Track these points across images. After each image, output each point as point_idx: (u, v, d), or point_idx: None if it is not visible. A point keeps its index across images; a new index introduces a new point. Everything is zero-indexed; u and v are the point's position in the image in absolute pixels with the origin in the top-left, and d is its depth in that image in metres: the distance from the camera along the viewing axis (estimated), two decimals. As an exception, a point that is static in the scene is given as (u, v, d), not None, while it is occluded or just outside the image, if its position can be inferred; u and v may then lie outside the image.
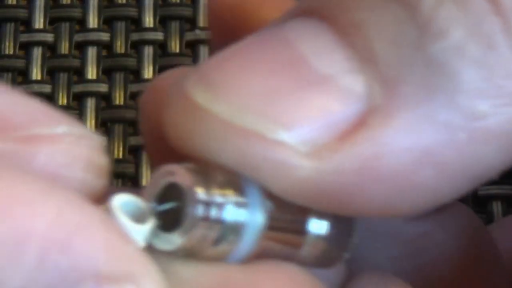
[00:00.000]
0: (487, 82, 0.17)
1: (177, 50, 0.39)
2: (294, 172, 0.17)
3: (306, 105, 0.17)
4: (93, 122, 0.38)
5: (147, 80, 0.38)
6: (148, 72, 0.38)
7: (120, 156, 0.37)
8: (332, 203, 0.17)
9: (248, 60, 0.17)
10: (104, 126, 0.38)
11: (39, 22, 0.39)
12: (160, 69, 0.38)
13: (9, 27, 0.39)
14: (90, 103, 0.38)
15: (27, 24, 0.39)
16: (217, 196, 0.16)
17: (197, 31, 0.39)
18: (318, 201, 0.17)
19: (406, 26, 0.17)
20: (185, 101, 0.17)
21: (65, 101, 0.38)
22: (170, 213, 0.16)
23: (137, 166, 0.37)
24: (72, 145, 0.17)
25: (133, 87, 0.38)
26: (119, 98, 0.38)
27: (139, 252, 0.16)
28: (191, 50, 0.39)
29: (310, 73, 0.17)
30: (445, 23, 0.17)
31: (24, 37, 0.39)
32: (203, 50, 0.39)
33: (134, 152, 0.37)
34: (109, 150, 0.37)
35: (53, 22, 0.39)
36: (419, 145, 0.17)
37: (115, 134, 0.37)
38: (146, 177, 0.37)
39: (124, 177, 0.37)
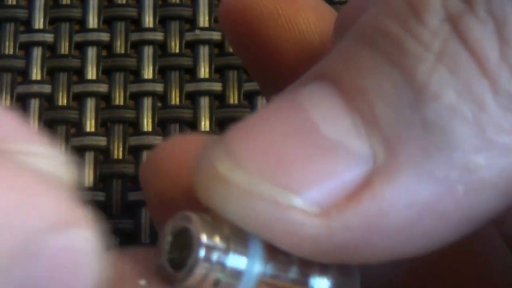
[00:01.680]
0: (479, 138, 0.18)
1: (177, 50, 0.39)
2: (305, 231, 0.18)
3: (315, 170, 0.18)
4: (93, 122, 0.38)
5: (147, 80, 0.38)
6: (148, 72, 0.38)
7: (120, 156, 0.37)
8: (340, 256, 0.19)
9: (264, 131, 0.19)
10: (104, 126, 0.38)
11: (39, 22, 0.39)
12: (160, 69, 0.38)
13: (9, 27, 0.39)
14: (90, 103, 0.38)
15: (27, 24, 0.39)
16: (221, 243, 0.18)
17: (197, 31, 0.39)
18: (327, 255, 0.19)
19: (404, 90, 0.18)
20: (210, 169, 0.19)
21: (65, 101, 0.38)
22: (181, 255, 0.19)
23: (137, 166, 0.37)
24: (42, 166, 0.18)
25: (133, 87, 0.38)
26: (119, 98, 0.38)
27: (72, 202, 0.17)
28: (191, 50, 0.39)
29: (319, 139, 0.19)
30: (438, 87, 0.18)
31: (24, 37, 0.39)
32: (203, 50, 0.39)
33: (134, 152, 0.37)
34: (109, 150, 0.37)
35: (53, 22, 0.39)
36: (420, 200, 0.18)
37: (115, 134, 0.37)
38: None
39: (124, 177, 0.37)
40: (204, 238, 0.18)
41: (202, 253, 0.18)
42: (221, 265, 0.18)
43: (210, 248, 0.18)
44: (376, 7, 0.19)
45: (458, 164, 0.18)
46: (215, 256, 0.18)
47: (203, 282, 0.18)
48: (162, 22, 0.39)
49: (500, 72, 0.18)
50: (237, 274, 0.18)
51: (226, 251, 0.18)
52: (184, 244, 0.19)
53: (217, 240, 0.18)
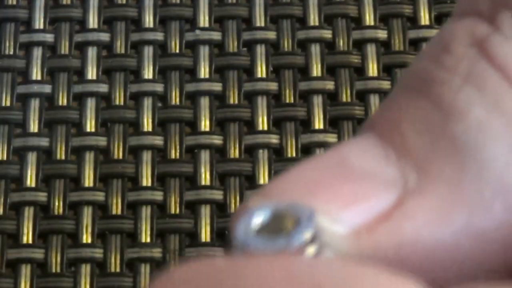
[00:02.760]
0: None
1: (177, 50, 0.39)
2: (335, 252, 0.18)
3: (343, 194, 0.18)
4: (93, 122, 0.38)
5: (147, 80, 0.38)
6: (148, 72, 0.38)
7: (120, 156, 0.37)
8: None
9: (299, 168, 0.19)
10: (104, 126, 0.38)
11: (39, 22, 0.39)
12: (160, 69, 0.38)
13: (9, 27, 0.39)
14: (90, 103, 0.38)
15: (27, 24, 0.39)
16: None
17: (197, 31, 0.39)
18: None
19: (432, 115, 0.18)
20: (241, 206, 0.19)
21: (65, 101, 0.38)
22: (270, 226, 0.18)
23: (137, 166, 0.37)
24: None
25: (133, 87, 0.38)
26: (119, 98, 0.38)
27: None
28: (191, 50, 0.39)
29: (347, 169, 0.19)
30: (466, 104, 0.18)
31: (24, 37, 0.39)
32: (203, 50, 0.39)
33: (134, 152, 0.37)
34: (109, 150, 0.37)
35: (53, 22, 0.39)
36: (454, 219, 0.18)
37: (115, 134, 0.37)
38: (146, 177, 0.37)
39: (124, 177, 0.37)
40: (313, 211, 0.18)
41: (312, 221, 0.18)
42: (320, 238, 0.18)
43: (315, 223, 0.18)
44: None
45: (491, 181, 0.18)
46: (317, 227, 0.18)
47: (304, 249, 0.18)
48: (162, 22, 0.39)
49: None
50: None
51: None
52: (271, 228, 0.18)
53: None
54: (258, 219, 0.18)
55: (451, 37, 0.19)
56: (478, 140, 0.18)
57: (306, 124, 0.37)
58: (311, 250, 0.18)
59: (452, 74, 0.18)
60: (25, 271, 0.35)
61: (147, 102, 0.38)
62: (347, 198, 0.18)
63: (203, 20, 0.39)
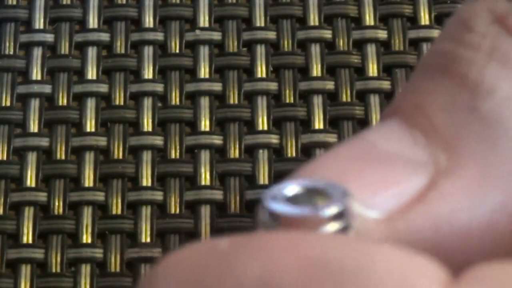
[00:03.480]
0: None
1: (177, 50, 0.39)
2: (372, 237, 0.18)
3: (375, 179, 0.18)
4: (93, 122, 0.38)
5: (147, 80, 0.38)
6: (148, 72, 0.38)
7: (120, 156, 0.37)
8: None
9: (329, 155, 0.19)
10: (104, 126, 0.38)
11: (39, 22, 0.39)
12: (160, 69, 0.38)
13: (9, 27, 0.39)
14: (90, 103, 0.38)
15: (27, 24, 0.39)
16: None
17: (197, 31, 0.39)
18: None
19: (458, 94, 0.18)
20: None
21: (65, 101, 0.38)
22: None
23: (137, 166, 0.37)
24: None
25: (133, 87, 0.38)
26: (119, 98, 0.38)
27: None
28: (191, 50, 0.39)
29: (377, 154, 0.18)
30: (492, 81, 0.18)
31: (24, 37, 0.39)
32: (203, 50, 0.39)
33: (134, 152, 0.37)
34: (109, 150, 0.37)
35: (53, 22, 0.39)
36: (489, 198, 0.17)
37: (115, 134, 0.37)
38: (146, 177, 0.37)
39: (124, 177, 0.37)
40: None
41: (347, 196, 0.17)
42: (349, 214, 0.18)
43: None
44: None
45: None
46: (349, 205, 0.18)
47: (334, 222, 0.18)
48: (162, 22, 0.39)
49: None
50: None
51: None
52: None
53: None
54: (290, 190, 0.18)
55: (471, 15, 0.18)
56: (507, 115, 0.18)
57: (306, 124, 0.37)
58: (334, 226, 0.17)
59: (476, 52, 0.18)
60: (25, 271, 0.35)
61: (147, 102, 0.38)
62: (378, 183, 0.18)
63: (203, 20, 0.39)
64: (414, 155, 0.18)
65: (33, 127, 0.37)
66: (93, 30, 0.39)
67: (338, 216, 0.17)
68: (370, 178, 0.18)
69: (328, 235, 0.17)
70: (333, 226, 0.17)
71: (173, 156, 0.37)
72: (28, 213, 0.36)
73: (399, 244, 0.17)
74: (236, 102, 0.38)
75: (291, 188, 0.18)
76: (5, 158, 0.37)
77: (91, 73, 0.38)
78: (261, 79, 0.38)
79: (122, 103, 0.38)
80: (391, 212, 0.18)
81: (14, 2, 0.39)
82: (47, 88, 0.38)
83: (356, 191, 0.18)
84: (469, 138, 0.18)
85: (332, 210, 0.17)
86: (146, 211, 0.36)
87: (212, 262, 0.16)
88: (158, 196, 0.36)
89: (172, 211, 0.36)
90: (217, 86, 0.38)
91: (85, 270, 0.35)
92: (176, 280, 0.16)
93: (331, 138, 0.37)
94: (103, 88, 0.38)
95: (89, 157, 0.37)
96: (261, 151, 0.37)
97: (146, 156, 0.37)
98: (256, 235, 0.16)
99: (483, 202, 0.17)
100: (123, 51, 0.39)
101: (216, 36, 0.39)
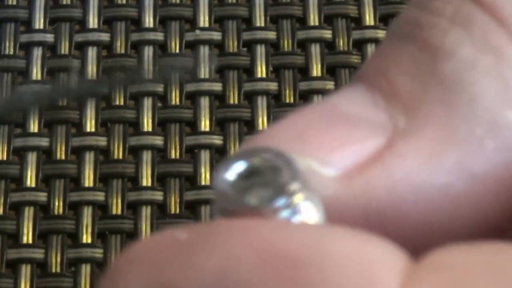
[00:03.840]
0: (505, 90, 0.17)
1: (177, 50, 0.39)
2: (325, 193, 0.18)
3: (333, 138, 0.18)
4: (93, 122, 0.38)
5: (147, 81, 0.38)
6: (148, 72, 0.38)
7: (120, 156, 0.37)
8: (368, 221, 0.18)
9: (291, 119, 0.19)
10: (104, 126, 0.38)
11: (39, 22, 0.39)
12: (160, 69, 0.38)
13: (9, 27, 0.39)
14: (90, 103, 0.38)
15: (27, 24, 0.39)
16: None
17: (197, 31, 0.39)
18: (352, 219, 0.18)
19: (420, 58, 0.18)
20: None
21: (65, 101, 0.38)
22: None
23: (137, 166, 0.37)
24: None
25: (133, 87, 0.38)
26: (119, 98, 0.38)
27: None
28: (191, 50, 0.39)
29: (338, 114, 0.19)
30: (453, 45, 0.18)
31: (24, 37, 0.39)
32: (203, 50, 0.39)
33: (134, 152, 0.37)
34: (109, 150, 0.37)
35: (53, 22, 0.39)
36: (447, 159, 0.18)
37: (115, 134, 0.37)
38: (146, 177, 0.37)
39: (124, 177, 0.37)
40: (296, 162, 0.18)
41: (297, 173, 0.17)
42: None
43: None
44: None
45: (482, 117, 0.18)
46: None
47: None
48: (162, 22, 0.39)
49: None
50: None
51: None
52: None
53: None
54: (238, 168, 0.18)
55: None
56: (468, 77, 0.18)
57: (306, 124, 0.37)
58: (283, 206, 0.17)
59: (439, 17, 0.18)
60: (25, 271, 0.35)
61: (147, 102, 0.38)
62: (336, 142, 0.18)
63: (203, 20, 0.39)
64: (373, 116, 0.18)
65: (33, 127, 0.38)
66: (93, 30, 0.39)
67: (290, 185, 0.18)
68: (328, 137, 0.18)
69: (283, 222, 0.17)
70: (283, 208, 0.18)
71: (173, 156, 0.37)
72: (28, 213, 0.36)
73: (354, 204, 0.18)
74: (236, 102, 0.38)
75: (239, 165, 0.18)
76: (5, 158, 0.37)
77: (91, 73, 0.38)
78: (261, 79, 0.38)
79: (122, 103, 0.38)
80: (347, 170, 0.18)
81: (14, 2, 0.39)
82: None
83: (313, 150, 0.18)
84: (428, 100, 0.18)
85: (281, 201, 0.17)
86: (146, 211, 0.36)
87: (172, 254, 0.16)
88: (158, 196, 0.36)
89: (172, 211, 0.36)
90: (217, 86, 0.38)
91: (85, 270, 0.35)
92: (136, 274, 0.16)
93: (331, 138, 0.37)
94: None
95: (89, 157, 0.37)
96: (261, 151, 0.37)
97: (146, 156, 0.37)
98: (213, 225, 0.16)
99: (439, 162, 0.18)
100: (123, 51, 0.39)
101: (216, 36, 0.39)
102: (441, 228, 0.18)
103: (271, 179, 0.18)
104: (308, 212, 0.18)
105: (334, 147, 0.18)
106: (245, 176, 0.18)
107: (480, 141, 0.17)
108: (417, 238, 0.18)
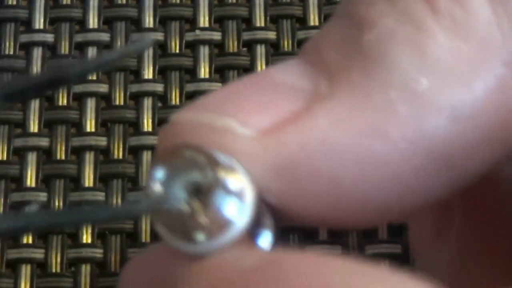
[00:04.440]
0: (420, 57, 0.18)
1: (177, 50, 0.39)
2: (241, 151, 0.19)
3: (254, 101, 0.19)
4: (93, 122, 0.38)
5: (147, 80, 0.38)
6: (148, 72, 0.38)
7: (120, 156, 0.37)
8: (282, 182, 0.19)
9: (228, 86, 0.20)
10: (104, 126, 0.38)
11: (39, 22, 0.39)
12: (160, 69, 0.38)
13: (9, 27, 0.39)
14: (90, 103, 0.38)
15: (27, 24, 0.39)
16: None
17: (197, 31, 0.39)
18: (267, 178, 0.19)
19: (347, 30, 0.19)
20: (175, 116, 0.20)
21: (65, 101, 0.38)
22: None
23: (137, 166, 0.37)
24: None
25: (133, 87, 0.38)
26: (119, 98, 0.38)
27: None
28: (191, 50, 0.39)
29: (267, 81, 0.19)
30: (376, 15, 0.19)
31: (24, 37, 0.39)
32: (203, 50, 0.39)
33: (134, 152, 0.37)
34: (109, 150, 0.37)
35: (53, 22, 0.39)
36: (361, 123, 0.18)
37: (115, 134, 0.37)
38: (146, 177, 0.37)
39: (124, 177, 0.37)
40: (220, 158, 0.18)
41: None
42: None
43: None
44: None
45: (397, 83, 0.18)
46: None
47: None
48: (162, 22, 0.39)
49: None
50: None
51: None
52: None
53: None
54: (159, 174, 0.18)
55: None
56: (386, 46, 0.18)
57: (306, 124, 0.37)
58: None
59: None
60: (25, 271, 0.35)
61: (147, 102, 0.38)
62: (256, 105, 0.19)
63: (203, 20, 0.39)
64: (298, 84, 0.19)
65: (33, 127, 0.38)
66: (93, 30, 0.39)
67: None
68: (250, 101, 0.19)
69: (348, 267, 0.17)
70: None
71: (173, 156, 0.37)
72: (28, 213, 0.36)
73: (270, 161, 0.18)
74: (236, 102, 0.38)
75: (160, 171, 0.19)
76: (5, 158, 0.37)
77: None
78: (261, 79, 0.38)
79: (122, 103, 0.38)
80: (263, 130, 0.19)
81: (14, 2, 0.39)
82: (47, 88, 0.38)
83: (234, 112, 0.19)
84: (350, 68, 0.19)
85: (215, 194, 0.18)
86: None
87: (233, 283, 0.17)
88: (158, 196, 0.36)
89: (172, 211, 0.36)
90: (217, 86, 0.38)
91: (85, 270, 0.35)
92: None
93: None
94: (103, 88, 0.38)
95: (89, 157, 0.37)
96: (261, 151, 0.37)
97: (146, 156, 0.37)
98: (276, 258, 0.17)
99: (352, 124, 0.18)
100: (123, 51, 0.39)
101: (216, 36, 0.39)
102: (357, 188, 0.18)
103: (195, 174, 0.18)
104: (235, 185, 0.18)
105: (254, 109, 0.19)
106: (170, 178, 0.18)
107: (394, 105, 0.18)
108: (336, 197, 0.18)
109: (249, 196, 0.18)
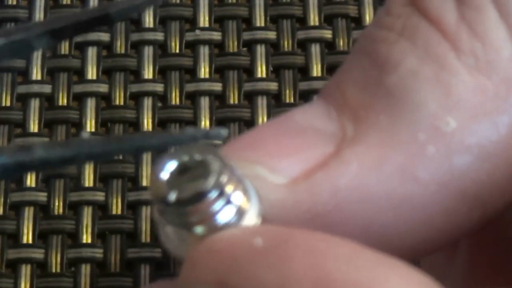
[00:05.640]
0: (446, 97, 0.18)
1: (177, 50, 0.39)
2: (272, 198, 0.18)
3: (282, 146, 0.19)
4: (93, 122, 0.38)
5: (147, 80, 0.38)
6: (148, 72, 0.38)
7: (120, 156, 0.37)
8: (314, 223, 0.18)
9: (251, 132, 0.20)
10: (104, 126, 0.38)
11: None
12: (160, 69, 0.38)
13: (9, 27, 0.39)
14: (90, 103, 0.38)
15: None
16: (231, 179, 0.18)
17: (197, 31, 0.39)
18: (298, 222, 0.18)
19: (370, 70, 0.19)
20: None
21: (65, 101, 0.38)
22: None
23: (137, 166, 0.37)
24: None
25: (133, 87, 0.38)
26: (119, 98, 0.38)
27: None
28: (191, 50, 0.39)
29: (292, 125, 0.19)
30: (398, 55, 0.19)
31: (24, 37, 0.39)
32: (203, 50, 0.39)
33: (134, 152, 0.37)
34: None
35: (53, 22, 0.39)
36: (390, 164, 0.18)
37: (115, 134, 0.37)
38: (146, 177, 0.37)
39: (124, 177, 0.37)
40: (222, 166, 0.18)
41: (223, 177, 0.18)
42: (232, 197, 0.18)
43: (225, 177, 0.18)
44: None
45: (424, 124, 0.18)
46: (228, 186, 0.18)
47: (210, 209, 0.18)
48: (162, 22, 0.39)
49: (460, 31, 0.18)
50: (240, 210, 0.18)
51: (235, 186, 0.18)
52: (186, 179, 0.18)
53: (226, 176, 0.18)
54: (170, 167, 0.18)
55: (391, 0, 0.20)
56: (411, 86, 0.18)
57: (306, 124, 0.37)
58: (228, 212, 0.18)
59: (389, 31, 0.19)
60: (25, 271, 0.35)
61: (147, 102, 0.38)
62: (285, 150, 0.19)
63: (203, 20, 0.39)
64: (325, 126, 0.19)
65: (33, 127, 0.38)
66: (93, 30, 0.39)
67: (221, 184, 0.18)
68: (278, 146, 0.19)
69: (352, 252, 0.17)
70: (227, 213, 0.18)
71: (173, 156, 0.37)
72: (28, 213, 0.36)
73: (300, 208, 0.18)
74: (236, 102, 0.38)
75: (171, 164, 0.19)
76: (5, 158, 0.37)
77: (91, 73, 0.38)
78: (261, 79, 0.38)
79: (122, 103, 0.38)
80: (294, 177, 0.18)
81: (14, 2, 0.39)
82: (47, 88, 0.38)
83: (263, 158, 0.19)
84: (375, 109, 0.18)
85: (213, 194, 0.18)
86: (146, 211, 0.36)
87: (244, 259, 0.17)
88: (158, 196, 0.36)
89: (172, 211, 0.36)
90: (217, 86, 0.38)
91: (85, 270, 0.35)
92: (208, 270, 0.18)
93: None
94: (103, 88, 0.38)
95: (89, 157, 0.37)
96: (261, 151, 0.37)
97: (146, 156, 0.37)
98: (286, 236, 0.17)
99: (382, 167, 0.18)
100: (123, 51, 0.39)
101: (216, 36, 0.39)
102: (388, 231, 0.18)
103: (202, 174, 0.18)
104: (238, 200, 0.18)
105: (283, 155, 0.19)
106: (178, 173, 0.18)
107: (422, 146, 0.18)
108: (365, 240, 0.18)
109: (248, 216, 0.18)
